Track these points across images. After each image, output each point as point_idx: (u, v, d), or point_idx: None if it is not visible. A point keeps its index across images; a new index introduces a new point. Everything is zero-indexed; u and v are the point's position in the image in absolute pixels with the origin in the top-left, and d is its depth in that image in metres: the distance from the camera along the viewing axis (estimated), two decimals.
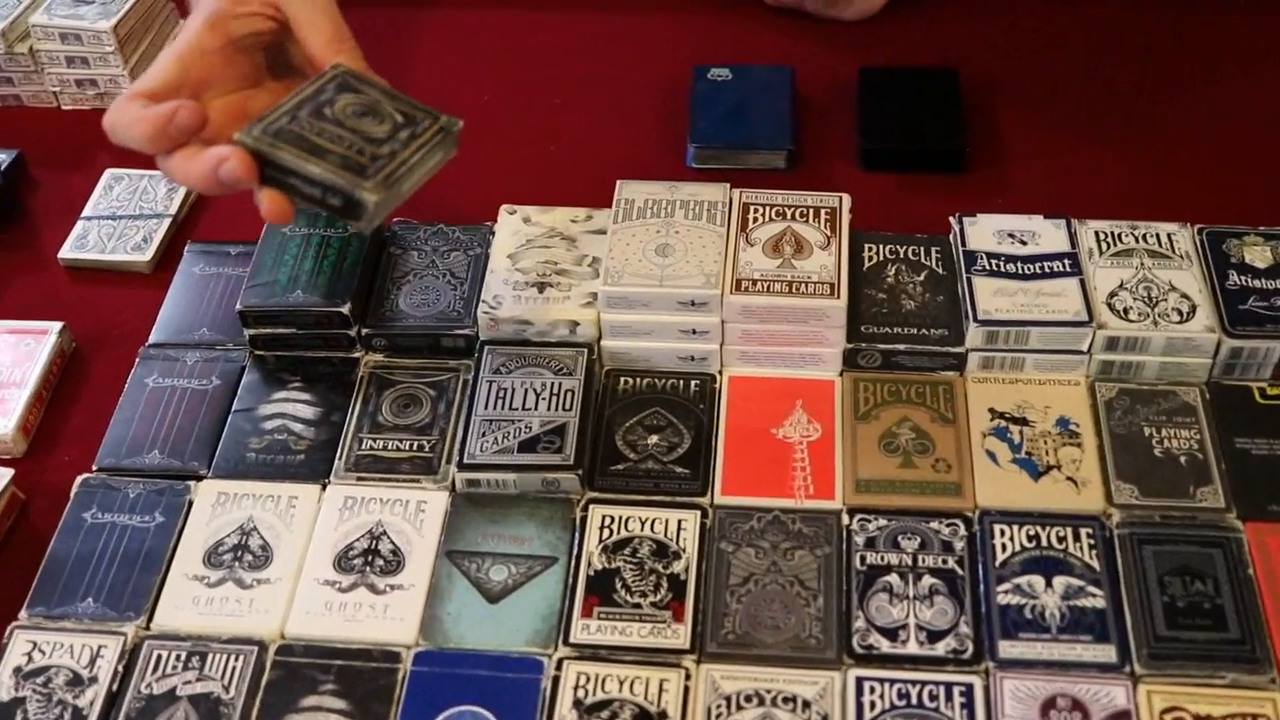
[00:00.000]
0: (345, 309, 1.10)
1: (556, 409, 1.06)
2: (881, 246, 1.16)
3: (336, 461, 1.06)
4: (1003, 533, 1.01)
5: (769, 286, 1.08)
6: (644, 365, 1.11)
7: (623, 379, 1.11)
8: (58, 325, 1.17)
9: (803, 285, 1.08)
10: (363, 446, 1.07)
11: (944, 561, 1.00)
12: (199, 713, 0.94)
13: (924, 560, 1.00)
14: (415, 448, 1.06)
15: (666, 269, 1.09)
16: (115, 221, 1.25)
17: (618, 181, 1.16)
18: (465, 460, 1.04)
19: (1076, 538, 1.00)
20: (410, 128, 0.93)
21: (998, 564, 0.99)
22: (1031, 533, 1.01)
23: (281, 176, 0.92)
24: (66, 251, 1.24)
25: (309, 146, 0.90)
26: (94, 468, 1.08)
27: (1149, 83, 1.36)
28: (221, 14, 0.94)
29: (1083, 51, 1.39)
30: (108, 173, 1.30)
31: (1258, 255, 1.12)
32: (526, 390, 1.08)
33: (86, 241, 1.24)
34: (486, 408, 1.07)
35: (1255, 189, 1.24)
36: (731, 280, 1.08)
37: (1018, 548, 1.00)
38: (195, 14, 0.96)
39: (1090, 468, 1.04)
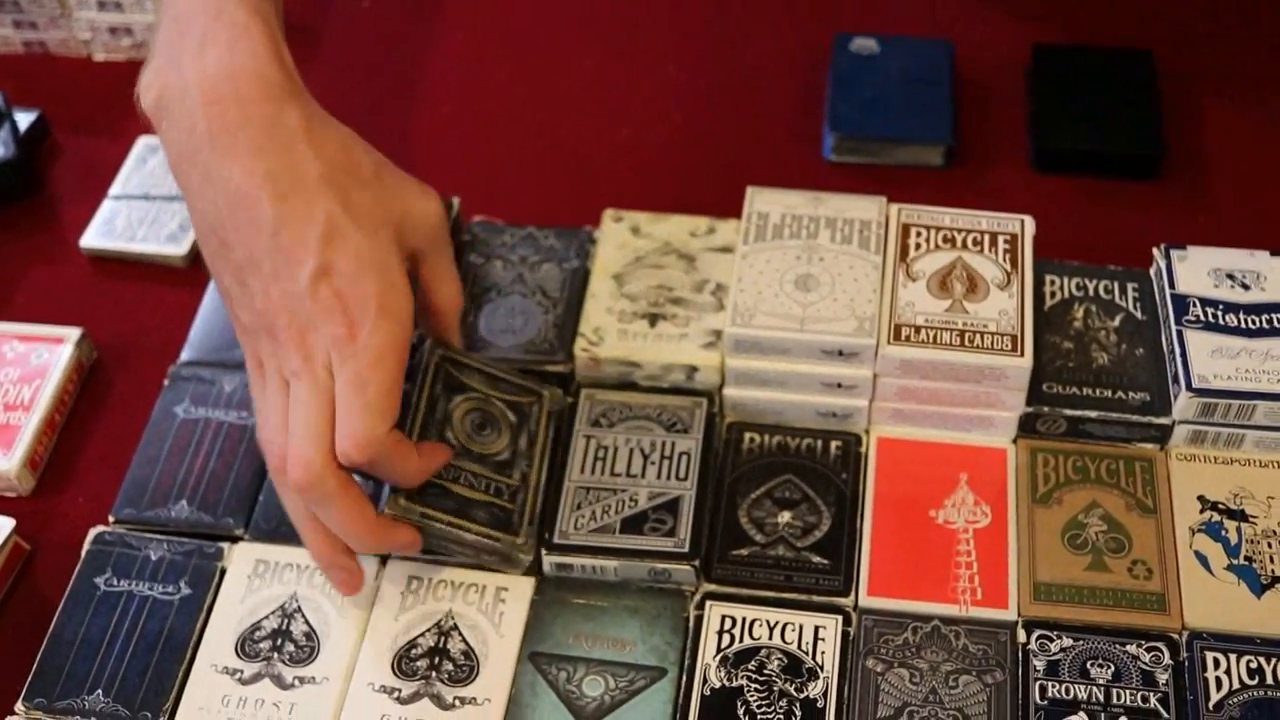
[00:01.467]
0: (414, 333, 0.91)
1: (669, 477, 0.87)
2: (1066, 280, 0.95)
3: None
4: (1217, 664, 0.81)
5: (935, 336, 0.87)
6: (774, 419, 0.92)
7: (748, 435, 0.91)
8: (76, 332, 0.99)
9: (977, 336, 0.87)
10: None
11: (1144, 699, 0.80)
12: None
13: (1119, 696, 0.81)
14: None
15: (809, 308, 0.89)
16: (148, 203, 1.06)
17: (748, 189, 0.95)
18: (555, 540, 0.85)
19: None
20: (524, 425, 0.88)
21: (1211, 705, 0.80)
22: (1253, 665, 0.81)
23: (434, 542, 0.84)
24: (90, 239, 1.05)
25: (456, 506, 0.84)
26: (110, 519, 0.90)
27: None
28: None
29: None
30: (141, 141, 1.11)
31: None
32: (632, 451, 0.88)
33: (114, 227, 1.05)
34: (582, 471, 0.88)
35: None
36: (889, 326, 0.88)
37: (1236, 684, 0.81)
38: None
39: None
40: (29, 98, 1.14)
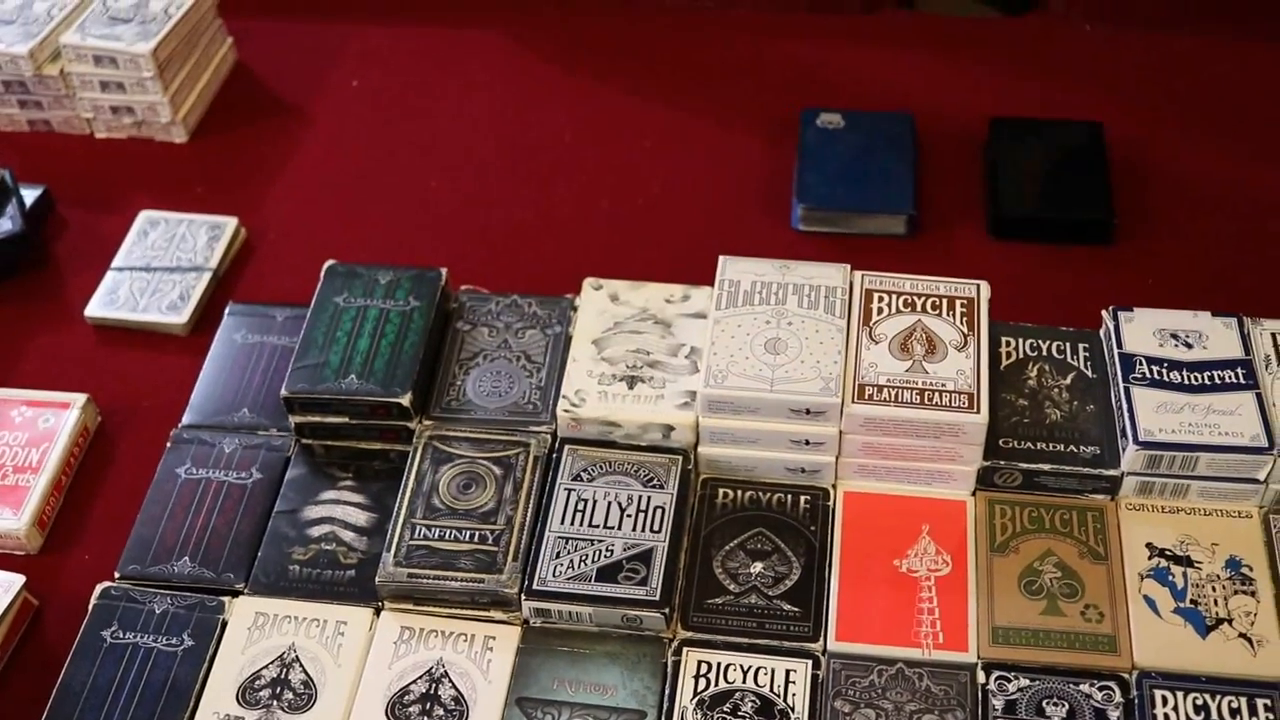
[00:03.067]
0: (405, 399, 0.97)
1: (643, 529, 0.92)
2: (1021, 341, 1.01)
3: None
4: (1165, 701, 0.86)
5: (897, 395, 0.93)
6: (746, 475, 0.97)
7: (722, 491, 0.96)
8: (81, 398, 1.04)
9: (936, 395, 0.93)
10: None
11: None
12: None
13: None
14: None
15: (778, 369, 0.94)
16: (149, 274, 1.11)
17: (720, 258, 1.01)
18: (535, 587, 0.90)
19: (1253, 711, 0.86)
20: (510, 474, 0.95)
21: None
22: (1199, 702, 0.86)
23: (428, 594, 0.91)
24: (94, 308, 1.10)
25: (441, 561, 0.91)
26: (116, 575, 0.94)
27: None
28: None
29: (1251, 107, 1.22)
30: (142, 215, 1.16)
31: None
32: (610, 504, 0.93)
33: (117, 297, 1.11)
34: (563, 522, 0.93)
35: None
36: (854, 386, 0.93)
37: None
38: None
39: (1267, 623, 0.89)
40: (34, 174, 1.19)
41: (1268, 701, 0.86)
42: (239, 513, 0.97)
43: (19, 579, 0.93)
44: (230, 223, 1.15)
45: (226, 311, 1.08)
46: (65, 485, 1.01)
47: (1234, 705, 0.86)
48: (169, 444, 1.01)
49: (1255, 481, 0.93)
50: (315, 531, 0.95)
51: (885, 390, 0.93)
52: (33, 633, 0.95)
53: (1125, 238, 1.13)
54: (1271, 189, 1.16)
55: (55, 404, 1.03)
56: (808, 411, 0.93)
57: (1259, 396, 0.94)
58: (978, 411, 0.92)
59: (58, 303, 1.13)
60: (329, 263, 1.04)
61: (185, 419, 1.02)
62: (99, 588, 0.94)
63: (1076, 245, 1.12)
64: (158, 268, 1.12)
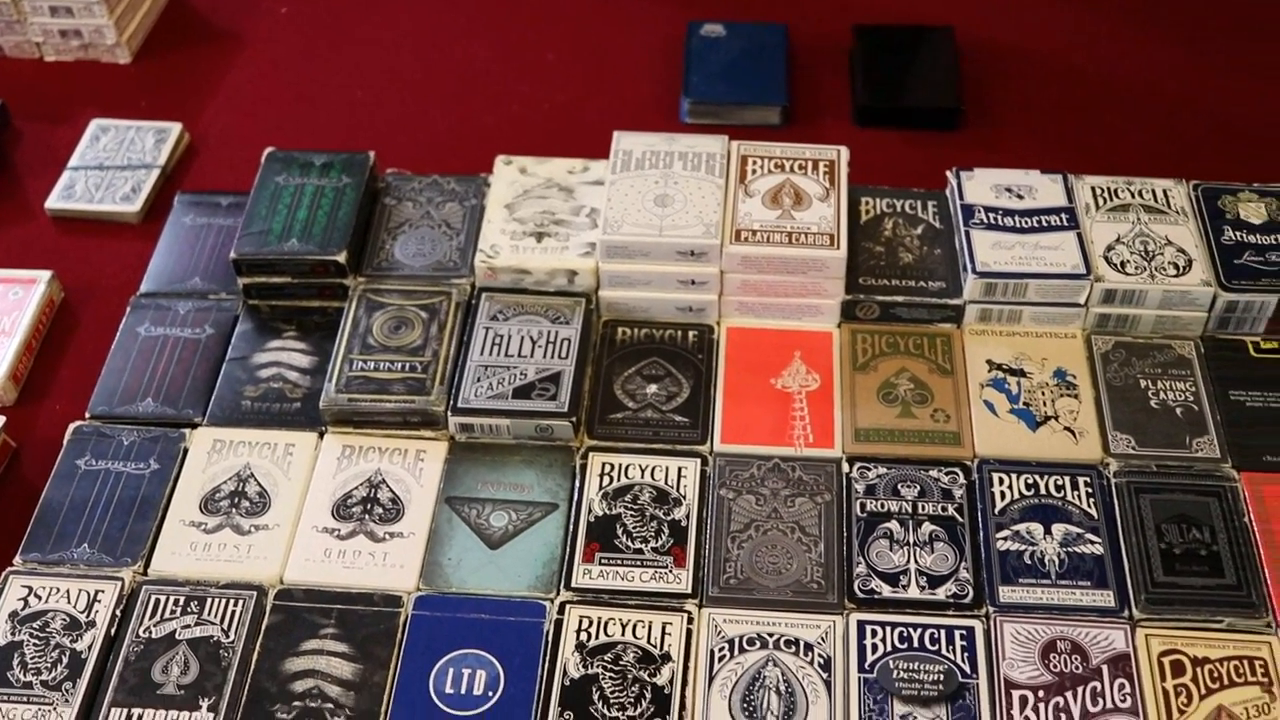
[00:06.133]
0: (340, 257, 1.10)
1: (552, 356, 1.06)
2: (878, 200, 1.16)
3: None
4: (1001, 481, 1.01)
5: (768, 237, 1.07)
6: (642, 316, 1.11)
7: (621, 329, 1.10)
8: (46, 274, 1.15)
9: (802, 236, 1.08)
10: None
11: (943, 509, 1.00)
12: (198, 655, 0.93)
13: (924, 507, 1.00)
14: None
15: (665, 219, 1.08)
16: (102, 172, 1.24)
17: (615, 132, 1.15)
18: (459, 405, 1.03)
19: (1074, 486, 1.01)
20: (435, 317, 1.08)
21: (997, 511, 1.00)
22: (1030, 481, 1.01)
23: (367, 416, 1.04)
24: (54, 201, 1.22)
25: (377, 387, 1.04)
26: (86, 415, 1.06)
27: (1142, 39, 1.37)
28: None
29: (1079, 9, 1.39)
30: (94, 123, 1.28)
31: (1252, 211, 1.12)
32: (523, 338, 1.07)
33: (74, 191, 1.23)
34: (482, 354, 1.06)
35: (1250, 145, 1.25)
36: (731, 230, 1.08)
37: (1016, 496, 1.00)
38: None
39: (1088, 418, 1.04)
40: None
41: (1087, 479, 1.01)
42: (195, 361, 1.09)
43: None
44: (175, 127, 1.27)
45: (176, 199, 1.20)
46: (35, 349, 1.13)
47: (1059, 483, 1.01)
48: (129, 308, 1.13)
49: (1077, 305, 1.08)
50: (264, 373, 1.08)
51: (759, 234, 1.08)
52: (11, 473, 1.06)
53: (972, 125, 1.29)
54: (1101, 86, 1.33)
55: (22, 280, 1.15)
56: (692, 253, 1.07)
57: (1079, 235, 1.10)
58: (838, 248, 1.07)
59: (18, 200, 1.25)
60: (269, 149, 1.17)
61: (143, 287, 1.14)
62: (72, 426, 1.05)
63: (929, 130, 1.28)
64: (110, 166, 1.24)
